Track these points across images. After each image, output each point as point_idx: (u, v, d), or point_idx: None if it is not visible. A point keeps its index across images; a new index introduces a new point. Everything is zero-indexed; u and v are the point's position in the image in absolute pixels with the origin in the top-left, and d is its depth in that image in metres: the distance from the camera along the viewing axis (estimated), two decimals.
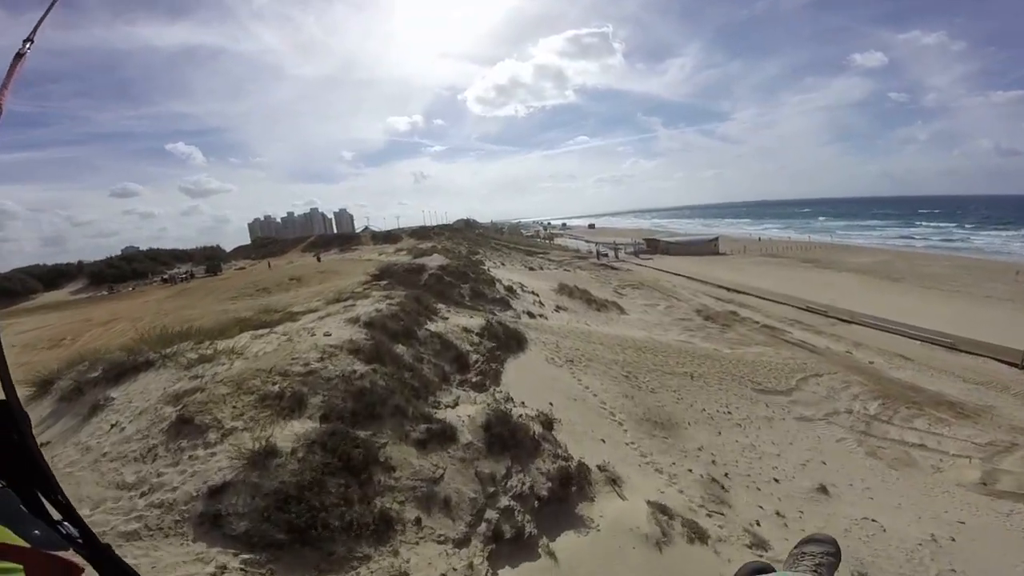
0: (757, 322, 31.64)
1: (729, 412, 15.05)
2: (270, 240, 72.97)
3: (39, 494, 0.88)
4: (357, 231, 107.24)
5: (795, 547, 1.76)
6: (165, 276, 44.85)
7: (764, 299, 38.36)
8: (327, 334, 9.25)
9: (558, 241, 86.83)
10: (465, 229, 78.68)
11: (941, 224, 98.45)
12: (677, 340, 25.59)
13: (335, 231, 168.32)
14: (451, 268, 20.58)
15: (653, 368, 18.29)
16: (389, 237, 55.40)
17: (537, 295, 28.25)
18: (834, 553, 1.67)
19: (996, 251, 62.50)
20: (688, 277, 47.20)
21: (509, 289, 24.88)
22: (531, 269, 42.97)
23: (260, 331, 10.43)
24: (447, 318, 14.37)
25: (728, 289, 41.83)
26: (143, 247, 69.86)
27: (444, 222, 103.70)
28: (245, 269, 47.63)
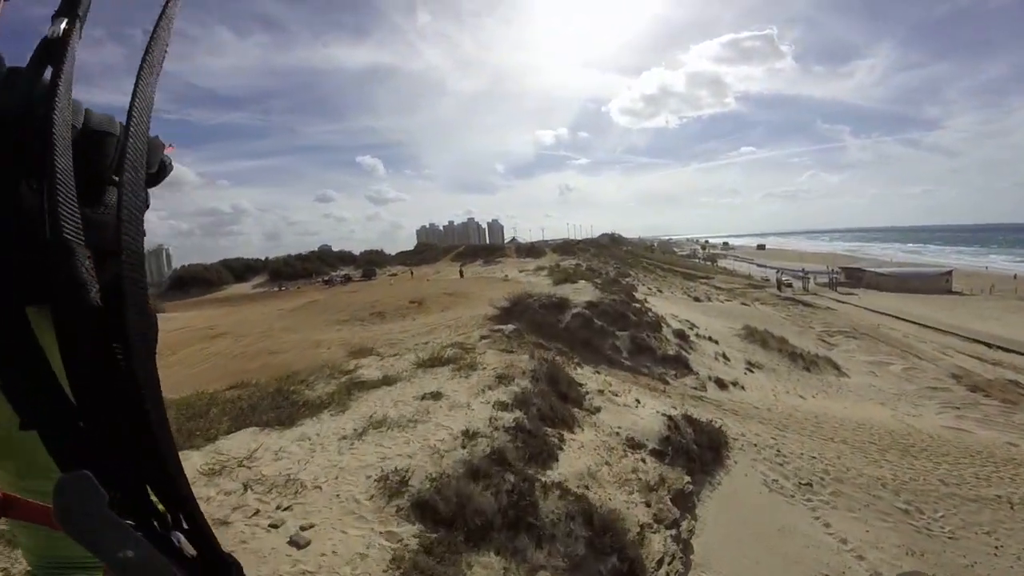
0: None
1: None
2: (426, 247, 74.16)
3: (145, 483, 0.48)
4: (505, 241, 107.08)
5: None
6: (326, 278, 46.20)
7: None
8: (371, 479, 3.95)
9: (722, 263, 74.84)
10: (611, 245, 71.30)
11: None
12: (943, 426, 16.53)
13: (487, 240, 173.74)
14: (603, 305, 14.63)
15: (939, 487, 10.29)
16: (532, 251, 51.13)
17: (716, 342, 20.77)
18: None
19: None
20: (922, 324, 34.42)
21: (680, 335, 17.91)
22: (697, 300, 34.76)
23: (286, 429, 5.83)
24: (595, 410, 8.29)
25: (991, 346, 28.90)
26: (335, 247, 75.77)
27: (588, 235, 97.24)
28: (397, 275, 47.06)
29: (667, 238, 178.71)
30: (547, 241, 78.65)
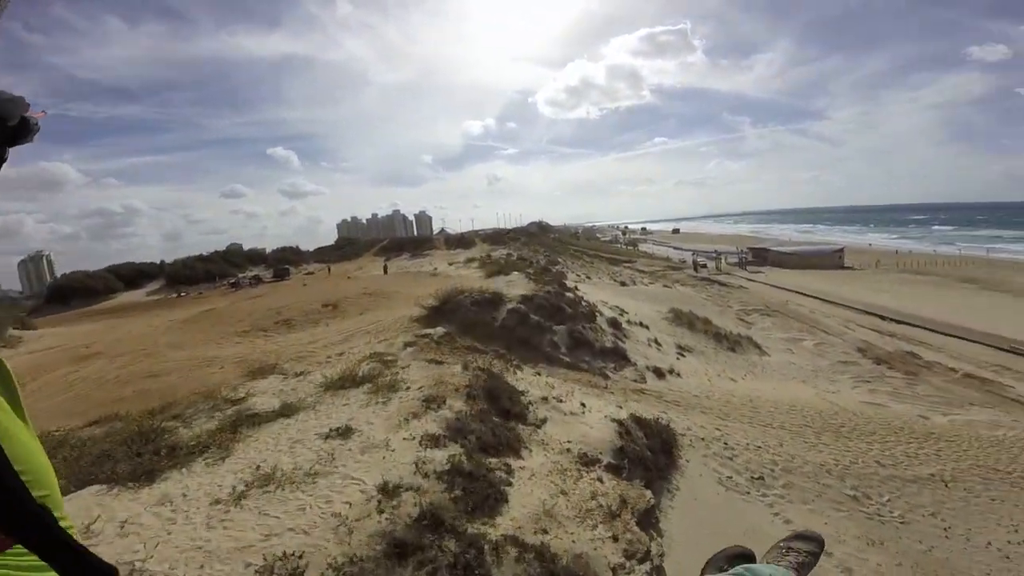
0: (953, 369, 22.27)
1: None
2: (348, 242, 69.95)
3: None
4: (434, 233, 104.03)
5: (783, 540, 1.64)
6: (232, 281, 41.72)
7: (940, 333, 28.09)
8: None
9: (642, 247, 77.35)
10: (540, 233, 71.27)
11: None
12: (861, 401, 17.34)
13: (415, 232, 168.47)
14: (538, 299, 13.68)
15: (878, 470, 10.49)
16: (462, 241, 49.24)
17: (646, 327, 20.62)
18: (817, 553, 1.58)
19: None
20: (824, 299, 37.04)
21: (613, 323, 17.41)
22: (624, 284, 35.04)
23: (143, 487, 4.14)
24: (541, 422, 7.24)
25: (884, 318, 31.59)
26: (247, 245, 69.23)
27: (518, 224, 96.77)
28: (313, 274, 43.57)
29: (590, 224, 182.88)
30: (477, 231, 76.94)
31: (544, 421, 7.28)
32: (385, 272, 31.75)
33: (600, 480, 6.07)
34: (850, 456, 10.72)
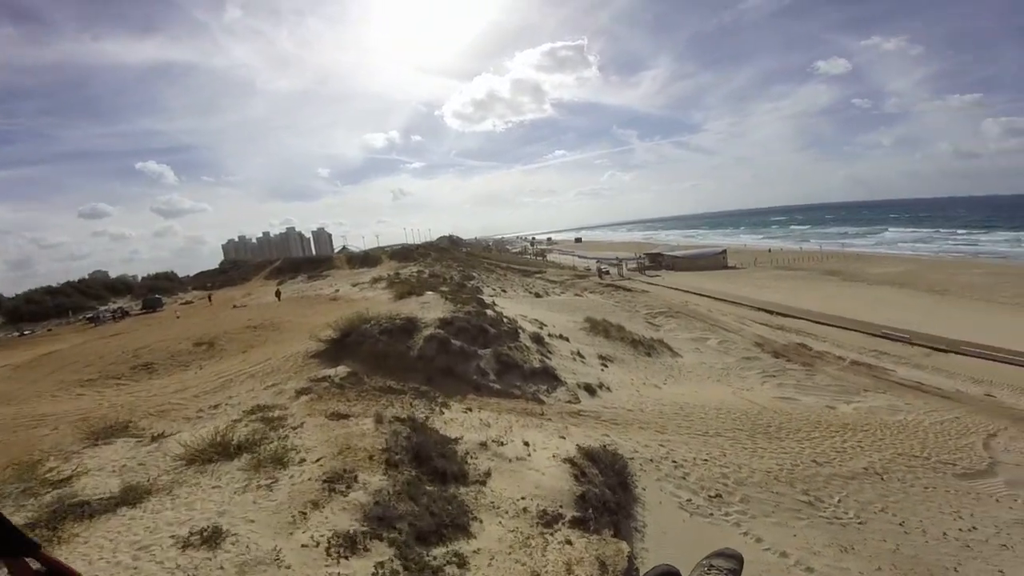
0: (841, 357, 24.25)
1: (976, 529, 8.13)
2: (234, 264, 62.91)
3: None
4: (335, 251, 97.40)
5: (704, 558, 1.67)
6: (90, 315, 35.00)
7: (821, 323, 30.92)
8: None
9: (550, 257, 78.73)
10: (451, 248, 69.51)
11: (918, 229, 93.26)
12: (773, 397, 17.90)
13: (313, 251, 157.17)
14: (459, 321, 12.15)
15: (818, 469, 10.53)
16: (367, 259, 45.59)
17: (567, 339, 20.04)
18: (738, 570, 1.61)
19: (1006, 255, 56.98)
20: (716, 298, 39.50)
21: (537, 339, 16.49)
22: (538, 296, 34.66)
23: None
24: (485, 477, 5.86)
25: (771, 312, 34.26)
26: (114, 271, 59.07)
27: (427, 239, 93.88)
28: (192, 304, 38.07)
29: (499, 237, 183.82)
30: (384, 248, 72.94)
31: (488, 474, 5.92)
32: (278, 298, 28.15)
33: (569, 542, 4.83)
34: (788, 458, 10.57)
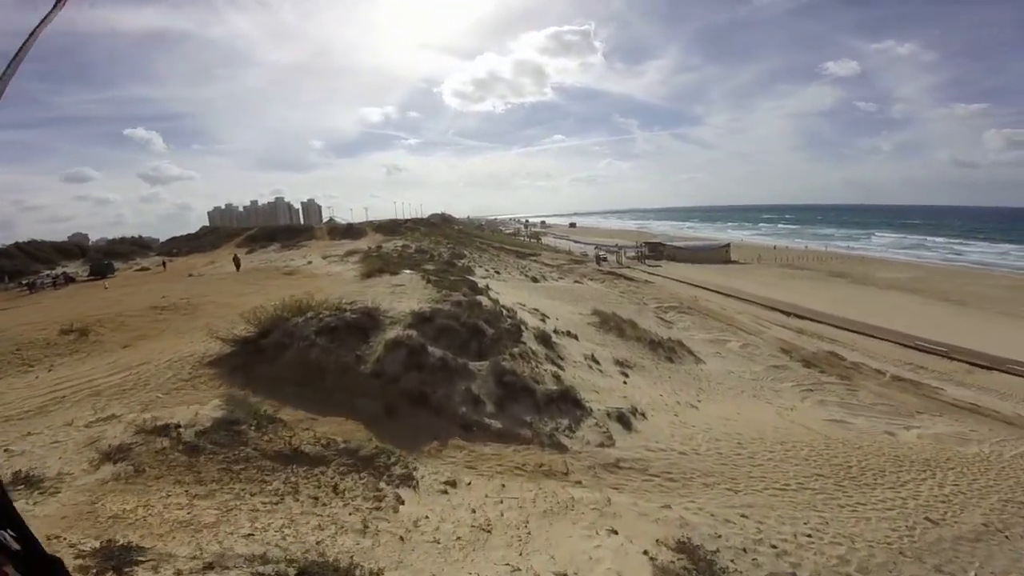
0: (879, 371, 21.01)
1: None
2: (211, 231, 57.78)
3: None
4: (323, 222, 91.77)
5: None
6: (26, 281, 30.28)
7: (845, 329, 27.60)
8: None
9: (544, 240, 74.71)
10: (442, 224, 64.92)
11: (907, 236, 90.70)
12: (823, 420, 14.68)
13: (302, 221, 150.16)
14: (442, 316, 8.28)
15: (938, 530, 7.57)
16: (350, 231, 41.04)
17: (575, 337, 16.42)
18: None
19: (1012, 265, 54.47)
20: (727, 294, 36.04)
21: (543, 339, 12.82)
22: (535, 281, 30.85)
23: None
24: None
25: (787, 314, 30.90)
26: (97, 234, 53.96)
27: (418, 216, 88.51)
28: (148, 270, 33.67)
29: (493, 217, 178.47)
30: (372, 222, 68.15)
31: None
32: (237, 267, 23.94)
33: None
34: (899, 517, 7.74)
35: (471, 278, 21.75)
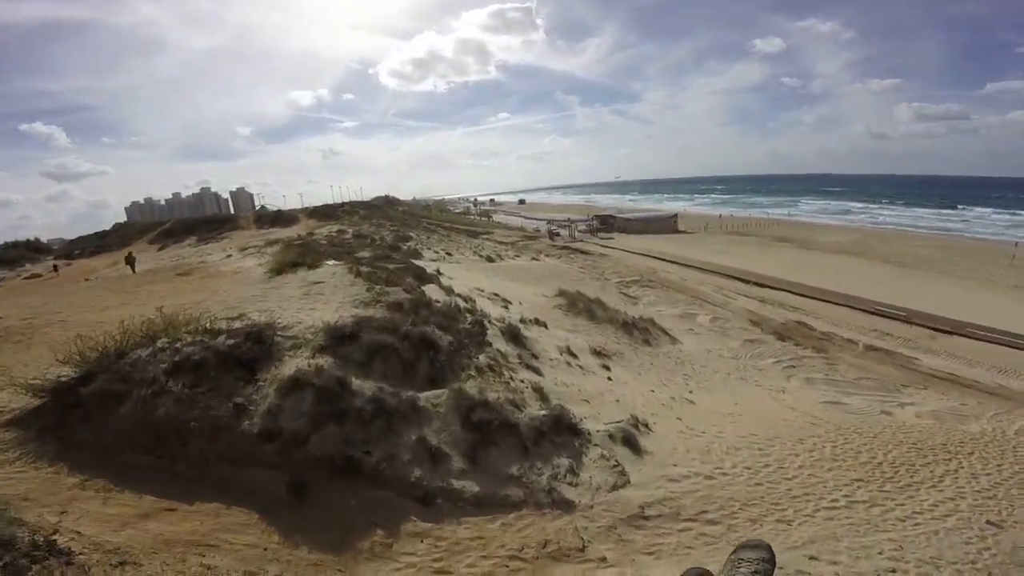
0: (851, 341, 20.31)
1: None
2: (123, 227, 50.55)
3: None
4: (256, 210, 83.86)
5: (732, 553, 1.63)
6: None
7: (805, 296, 27.04)
8: None
9: (495, 218, 71.88)
10: (386, 206, 60.38)
11: (830, 202, 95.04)
12: (819, 403, 13.42)
13: (232, 211, 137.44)
14: (372, 329, 5.61)
15: (1015, 541, 5.83)
16: (279, 218, 36.21)
17: (544, 324, 14.28)
18: (769, 560, 1.54)
19: (938, 228, 57.50)
20: (684, 264, 35.01)
21: (512, 335, 10.49)
22: (490, 260, 28.36)
23: None
24: None
25: (746, 281, 30.13)
26: (2, 238, 45.73)
27: (359, 199, 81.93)
28: (41, 277, 28.31)
29: (440, 198, 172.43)
30: (306, 208, 62.51)
31: None
32: (132, 269, 19.80)
33: None
34: (959, 525, 6.30)
35: (418, 263, 18.97)
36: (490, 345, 9.08)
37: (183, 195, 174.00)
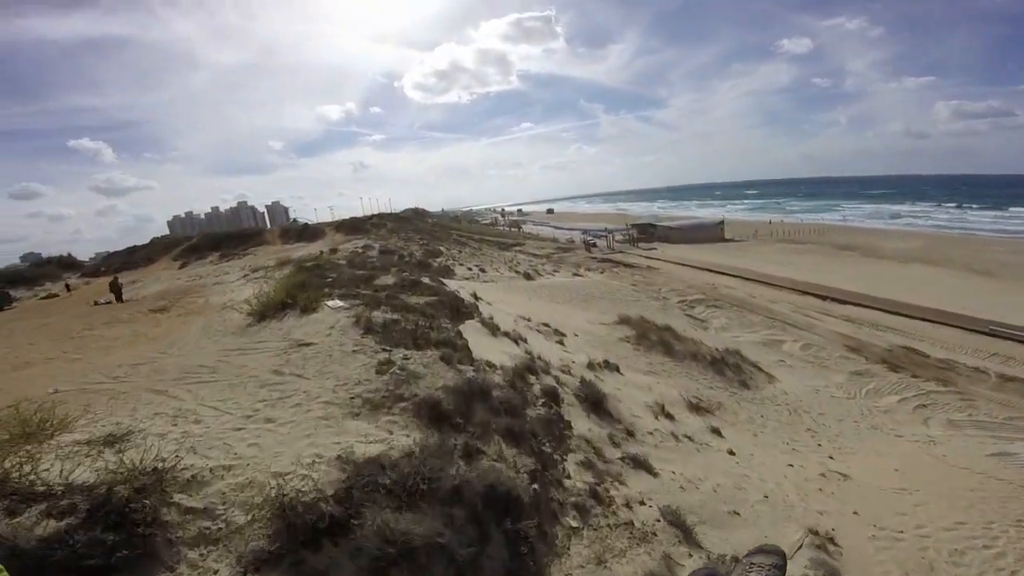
0: (979, 370, 16.32)
1: None
2: (150, 243, 49.65)
3: None
4: (289, 222, 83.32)
5: (745, 556, 1.56)
6: None
7: (897, 314, 22.87)
8: None
9: (525, 229, 68.89)
10: (414, 218, 58.15)
11: (886, 204, 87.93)
12: (986, 455, 9.65)
13: (268, 225, 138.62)
14: (395, 511, 2.46)
15: None
16: (306, 232, 34.27)
17: (615, 367, 11.03)
18: (781, 565, 1.49)
19: (1003, 231, 51.28)
20: (744, 277, 31.12)
21: (591, 401, 7.27)
22: (528, 277, 25.33)
23: None
24: None
25: (823, 298, 26.09)
26: (52, 252, 45.73)
27: (388, 210, 79.95)
28: (57, 297, 26.76)
29: (467, 208, 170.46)
30: (334, 221, 60.81)
31: None
32: (118, 296, 17.20)
33: None
34: None
35: (449, 283, 16.08)
36: (571, 429, 6.01)
37: (221, 209, 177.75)
